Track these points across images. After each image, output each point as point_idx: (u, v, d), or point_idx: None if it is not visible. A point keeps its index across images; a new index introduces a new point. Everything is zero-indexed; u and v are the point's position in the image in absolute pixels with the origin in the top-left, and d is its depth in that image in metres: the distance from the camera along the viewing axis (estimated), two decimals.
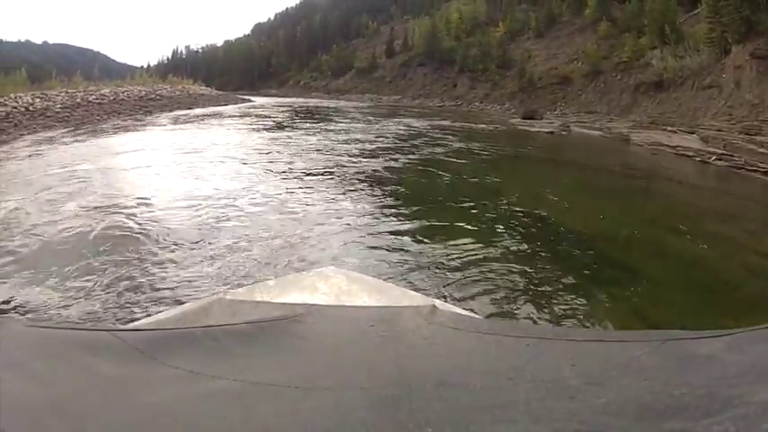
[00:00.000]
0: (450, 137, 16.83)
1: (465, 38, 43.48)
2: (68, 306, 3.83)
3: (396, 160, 11.47)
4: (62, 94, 22.69)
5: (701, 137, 14.05)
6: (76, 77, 29.18)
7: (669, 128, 16.39)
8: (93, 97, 24.33)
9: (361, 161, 11.12)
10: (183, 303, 2.81)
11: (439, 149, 13.74)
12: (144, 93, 29.49)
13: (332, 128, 19.39)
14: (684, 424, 0.55)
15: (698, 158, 12.34)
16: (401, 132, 18.05)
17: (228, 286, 4.04)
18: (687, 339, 0.80)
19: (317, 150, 12.90)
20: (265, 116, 25.42)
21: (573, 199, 8.06)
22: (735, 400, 0.56)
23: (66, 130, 17.22)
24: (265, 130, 18.63)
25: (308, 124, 21.23)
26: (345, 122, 22.11)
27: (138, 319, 2.62)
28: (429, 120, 23.48)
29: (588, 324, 4.08)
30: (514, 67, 34.75)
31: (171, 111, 27.40)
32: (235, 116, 25.33)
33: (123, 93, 27.53)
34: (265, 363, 1.00)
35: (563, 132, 18.27)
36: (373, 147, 13.97)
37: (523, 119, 23.28)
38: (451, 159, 11.94)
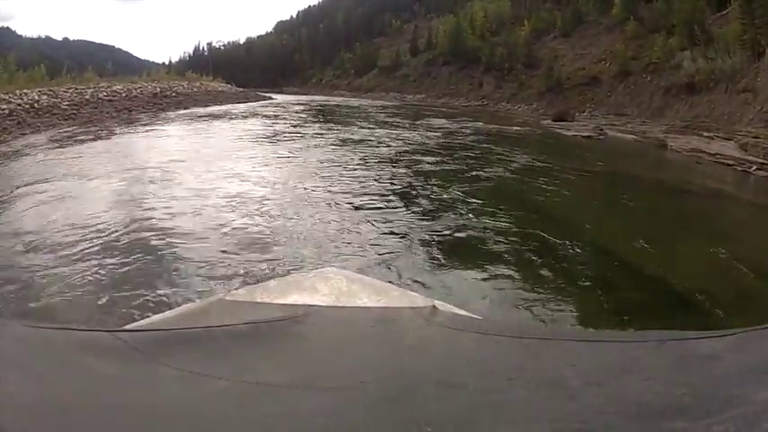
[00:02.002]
0: (495, 147, 15.02)
1: (490, 36, 43.47)
2: None
3: (451, 208, 7.46)
4: (70, 91, 22.50)
5: (740, 144, 14.18)
6: (88, 73, 29.22)
7: (705, 133, 16.47)
8: (104, 94, 24.24)
9: (393, 211, 7.24)
10: (183, 304, 2.72)
11: (498, 169, 11.19)
12: (159, 90, 29.48)
13: (352, 135, 16.68)
14: (685, 424, 0.56)
15: (739, 168, 12.54)
16: (437, 142, 15.78)
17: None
18: (687, 339, 0.82)
19: (324, 187, 8.81)
20: (279, 117, 23.93)
21: (655, 234, 6.77)
22: (735, 400, 0.56)
23: (62, 130, 16.82)
24: (271, 137, 16.14)
25: (324, 129, 18.88)
26: (369, 127, 19.83)
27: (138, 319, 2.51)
28: (461, 122, 23.11)
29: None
30: (541, 67, 34.75)
31: (186, 108, 27.32)
32: (246, 116, 24.43)
33: (137, 89, 27.50)
34: (265, 363, 1.01)
35: (600, 137, 18.42)
36: (407, 170, 10.54)
37: (554, 121, 23.41)
38: (534, 197, 8.91)
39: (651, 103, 23.61)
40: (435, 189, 9.05)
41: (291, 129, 19.08)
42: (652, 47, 26.52)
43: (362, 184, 9.11)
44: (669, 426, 0.56)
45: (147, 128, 18.64)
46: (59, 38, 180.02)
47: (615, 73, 28.21)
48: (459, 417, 0.67)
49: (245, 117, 23.86)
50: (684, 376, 0.69)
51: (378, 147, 14.35)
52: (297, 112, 27.17)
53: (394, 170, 10.78)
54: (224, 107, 30.00)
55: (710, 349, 0.74)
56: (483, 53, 41.54)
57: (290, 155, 12.72)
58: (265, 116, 24.26)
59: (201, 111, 26.51)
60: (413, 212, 7.25)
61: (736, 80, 18.07)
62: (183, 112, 25.60)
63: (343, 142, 15.13)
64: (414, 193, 8.71)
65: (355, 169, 10.71)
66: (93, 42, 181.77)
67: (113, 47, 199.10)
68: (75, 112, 20.68)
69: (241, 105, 32.39)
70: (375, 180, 9.62)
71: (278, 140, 15.57)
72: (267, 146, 14.37)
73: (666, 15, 27.05)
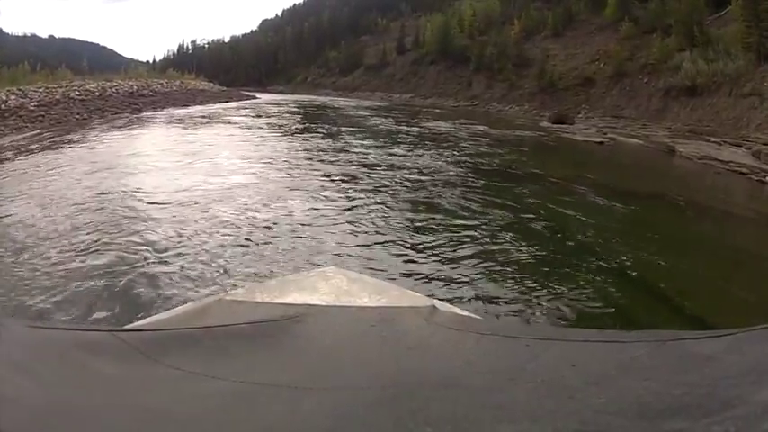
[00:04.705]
0: (533, 168, 11.93)
1: (479, 35, 42.77)
2: None
3: None
4: (40, 90, 21.47)
5: (752, 151, 13.61)
6: (61, 71, 28.40)
7: (712, 138, 15.93)
8: (76, 93, 23.20)
9: None
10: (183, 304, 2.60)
11: (607, 244, 6.46)
12: (135, 88, 28.45)
13: (336, 166, 11.19)
14: (684, 424, 0.55)
15: (755, 177, 11.95)
16: (461, 167, 11.40)
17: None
18: (687, 339, 0.80)
19: None
20: (250, 126, 19.85)
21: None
22: (735, 400, 0.56)
23: (22, 136, 15.13)
24: (220, 167, 10.63)
25: (299, 150, 13.57)
26: (360, 144, 14.91)
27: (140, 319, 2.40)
28: (461, 125, 21.66)
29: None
30: (532, 67, 34.10)
31: (163, 108, 26.25)
32: (217, 121, 21.48)
33: (112, 88, 26.40)
34: (265, 363, 1.00)
35: (611, 143, 17.78)
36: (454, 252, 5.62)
37: (554, 123, 22.80)
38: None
39: (649, 105, 23.04)
40: None
41: (256, 148, 13.80)
42: (648, 47, 25.97)
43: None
44: (669, 426, 0.56)
45: (82, 140, 14.96)
46: (45, 36, 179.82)
47: (610, 74, 27.59)
48: (459, 417, 0.66)
49: (215, 122, 21.23)
50: (684, 376, 0.68)
51: (378, 192, 8.68)
52: (274, 116, 24.76)
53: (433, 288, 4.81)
54: (200, 108, 28.73)
55: (710, 349, 0.73)
56: (472, 52, 40.71)
57: (218, 236, 6.11)
58: (234, 123, 20.97)
59: (168, 113, 24.87)
60: None
61: (741, 84, 17.61)
62: (148, 114, 24.04)
63: (325, 182, 9.44)
64: None
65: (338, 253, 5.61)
66: (78, 40, 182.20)
67: (98, 45, 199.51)
68: (43, 113, 19.67)
69: (217, 106, 31.15)
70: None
71: (222, 184, 8.97)
72: (197, 195, 8.06)
73: (662, 16, 26.55)
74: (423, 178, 10.11)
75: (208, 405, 0.78)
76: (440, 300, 1.94)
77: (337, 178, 9.87)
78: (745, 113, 16.37)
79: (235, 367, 0.94)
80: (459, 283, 5.00)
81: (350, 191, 8.86)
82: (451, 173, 10.79)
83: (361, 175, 10.12)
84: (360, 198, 8.26)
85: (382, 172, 10.56)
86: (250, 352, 1.04)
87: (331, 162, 11.81)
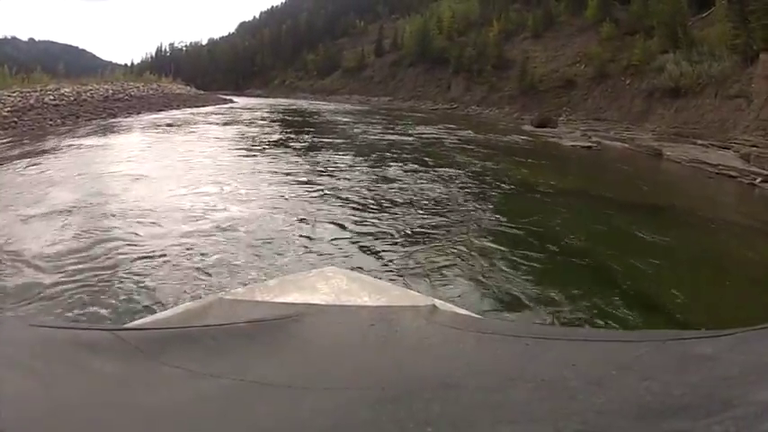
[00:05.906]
0: (543, 186, 10.05)
1: (458, 37, 42.35)
2: None
3: None
4: (14, 95, 20.50)
5: (741, 154, 13.11)
6: (36, 74, 27.36)
7: (699, 141, 15.43)
8: (50, 98, 22.18)
9: None
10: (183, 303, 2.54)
11: None
12: (111, 92, 27.55)
13: (317, 189, 9.01)
14: (685, 424, 0.54)
15: (746, 181, 11.47)
16: (461, 187, 9.72)
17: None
18: (687, 339, 0.79)
19: None
20: (219, 137, 17.10)
21: None
22: (735, 400, 0.55)
23: None
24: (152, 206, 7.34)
25: (267, 175, 10.31)
26: (341, 155, 13.38)
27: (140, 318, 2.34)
28: (446, 131, 20.67)
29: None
30: (512, 69, 33.61)
31: (138, 113, 25.45)
32: (181, 130, 19.24)
33: (87, 92, 25.46)
34: (265, 362, 0.99)
35: (598, 148, 17.19)
36: None
37: (537, 127, 22.23)
38: None
39: (632, 107, 22.58)
40: None
41: (214, 172, 10.50)
42: (630, 49, 25.49)
43: None
44: (669, 426, 0.55)
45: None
46: (25, 38, 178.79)
47: (592, 75, 27.17)
48: (459, 417, 0.66)
49: (183, 131, 19.18)
50: (684, 376, 0.68)
51: (378, 261, 5.49)
52: (248, 124, 22.73)
53: None
54: (174, 112, 27.82)
55: (710, 349, 0.73)
56: (451, 54, 40.23)
57: None
58: (203, 133, 18.64)
59: (140, 119, 23.58)
60: None
61: (727, 85, 17.11)
62: (118, 120, 22.79)
63: (296, 244, 5.99)
64: None
65: None
66: (58, 43, 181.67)
67: (77, 48, 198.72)
68: (16, 119, 18.59)
69: (192, 110, 30.20)
70: None
71: (142, 246, 5.68)
72: (88, 277, 4.66)
73: (644, 17, 26.19)
74: (434, 222, 7.19)
75: (207, 404, 0.77)
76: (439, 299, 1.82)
77: (315, 237, 6.27)
78: (732, 115, 15.86)
79: (235, 366, 0.93)
80: None
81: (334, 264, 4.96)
82: (466, 208, 8.30)
83: (349, 224, 6.90)
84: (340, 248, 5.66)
85: (377, 214, 7.53)
86: (250, 351, 1.03)
87: (306, 196, 8.67)
